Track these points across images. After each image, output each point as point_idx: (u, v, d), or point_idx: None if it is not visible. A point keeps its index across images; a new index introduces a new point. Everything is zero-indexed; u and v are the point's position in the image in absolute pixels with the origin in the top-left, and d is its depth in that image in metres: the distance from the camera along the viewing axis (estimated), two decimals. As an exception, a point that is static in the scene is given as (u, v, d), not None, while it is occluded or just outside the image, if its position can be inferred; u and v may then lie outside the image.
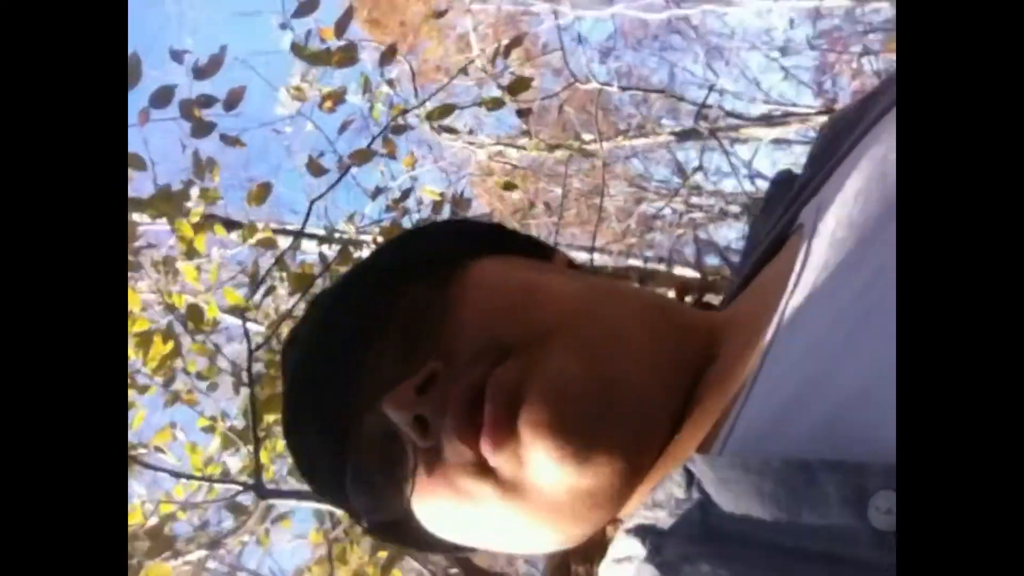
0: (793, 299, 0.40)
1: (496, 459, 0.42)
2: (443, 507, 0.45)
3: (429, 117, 3.29)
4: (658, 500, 0.38)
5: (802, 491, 0.32)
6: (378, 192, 2.93)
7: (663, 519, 0.37)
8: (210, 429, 2.44)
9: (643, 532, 0.38)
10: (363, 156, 2.89)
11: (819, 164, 0.49)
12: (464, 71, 3.60)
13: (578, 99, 6.51)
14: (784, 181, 0.54)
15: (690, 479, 0.36)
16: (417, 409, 0.42)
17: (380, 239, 3.19)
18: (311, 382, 0.47)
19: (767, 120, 6.88)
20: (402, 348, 0.45)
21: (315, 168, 2.78)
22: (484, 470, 0.43)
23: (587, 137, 5.18)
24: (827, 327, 0.36)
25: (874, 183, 0.40)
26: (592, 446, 0.41)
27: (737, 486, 0.34)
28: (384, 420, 0.42)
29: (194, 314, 2.32)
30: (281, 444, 2.64)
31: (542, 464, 0.41)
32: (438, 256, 0.47)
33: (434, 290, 0.44)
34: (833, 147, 0.48)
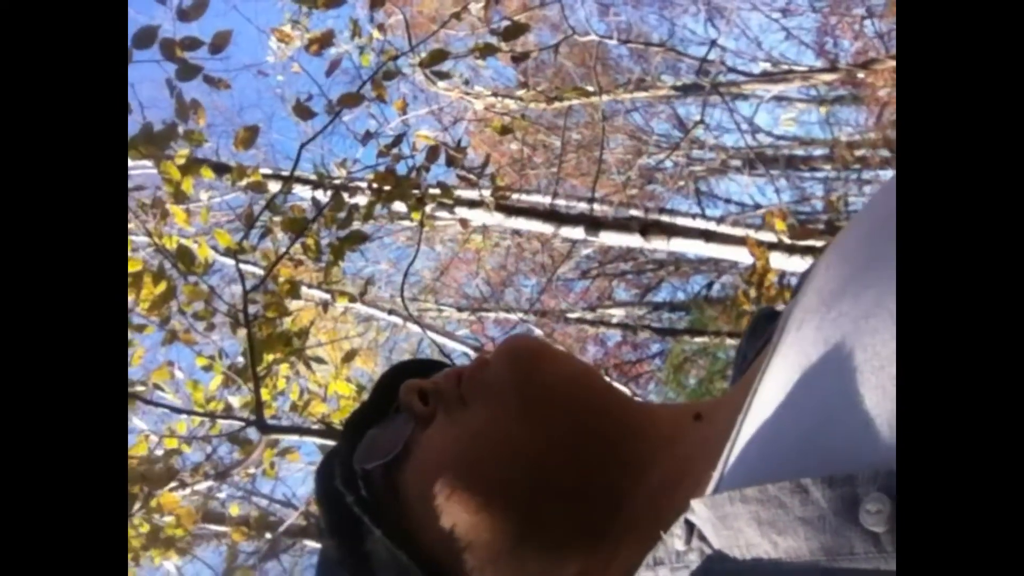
0: (771, 364, 0.42)
1: (470, 387, 0.53)
2: (436, 443, 0.53)
3: (421, 64, 3.27)
4: (659, 558, 0.39)
5: (797, 510, 0.33)
6: (368, 136, 2.92)
7: None
8: (209, 368, 2.47)
9: None
10: (352, 100, 2.88)
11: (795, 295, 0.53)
12: (457, 16, 3.56)
13: (577, 54, 6.44)
14: (768, 314, 0.57)
15: (690, 531, 0.37)
16: (421, 385, 0.57)
17: (374, 185, 3.19)
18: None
19: (769, 76, 6.78)
20: None
21: (302, 111, 2.77)
22: (462, 402, 0.54)
23: (587, 89, 5.13)
24: (801, 370, 0.38)
25: (833, 268, 0.44)
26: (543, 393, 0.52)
27: (737, 521, 0.35)
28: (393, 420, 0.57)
29: (184, 255, 2.33)
30: (283, 382, 2.66)
31: (501, 375, 0.52)
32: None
33: None
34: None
